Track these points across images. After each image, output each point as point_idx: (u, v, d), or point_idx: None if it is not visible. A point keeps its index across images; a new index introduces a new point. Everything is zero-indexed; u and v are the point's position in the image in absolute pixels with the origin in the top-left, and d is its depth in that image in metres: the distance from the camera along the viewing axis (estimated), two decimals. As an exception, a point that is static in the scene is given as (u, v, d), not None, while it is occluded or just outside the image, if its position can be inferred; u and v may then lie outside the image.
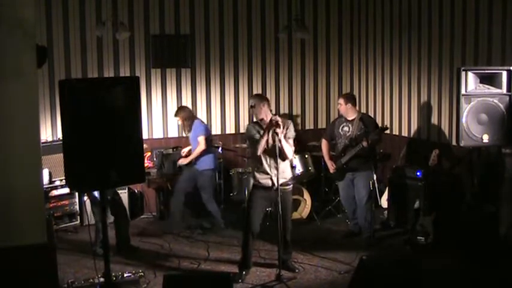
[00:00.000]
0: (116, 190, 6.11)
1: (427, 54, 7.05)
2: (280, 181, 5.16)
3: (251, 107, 5.44)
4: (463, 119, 5.31)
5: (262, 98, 5.57)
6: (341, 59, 8.59)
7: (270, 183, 5.24)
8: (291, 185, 5.48)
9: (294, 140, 5.45)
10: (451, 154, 6.45)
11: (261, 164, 5.26)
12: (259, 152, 5.20)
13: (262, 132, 5.24)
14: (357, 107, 6.53)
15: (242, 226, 5.57)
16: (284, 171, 5.30)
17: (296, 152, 6.40)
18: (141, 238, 6.50)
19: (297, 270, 5.42)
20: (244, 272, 5.33)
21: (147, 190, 7.47)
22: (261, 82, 8.18)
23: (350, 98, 6.46)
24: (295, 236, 6.12)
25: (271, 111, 5.45)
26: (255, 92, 8.07)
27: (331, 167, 6.47)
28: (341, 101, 6.41)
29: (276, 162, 5.13)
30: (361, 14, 8.38)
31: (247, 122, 7.84)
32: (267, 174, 5.25)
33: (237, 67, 8.04)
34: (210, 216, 6.81)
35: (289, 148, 5.23)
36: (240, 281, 5.23)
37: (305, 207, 7.10)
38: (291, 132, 5.33)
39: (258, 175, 5.31)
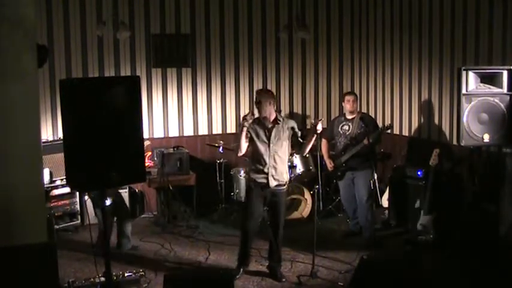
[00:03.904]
0: (117, 191, 6.10)
1: (427, 54, 7.04)
2: (275, 183, 5.15)
3: (257, 103, 5.19)
4: (464, 119, 5.30)
5: (269, 95, 5.26)
6: (342, 59, 8.59)
7: (265, 182, 5.15)
8: (285, 187, 5.30)
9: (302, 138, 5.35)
10: (452, 154, 6.44)
11: (259, 163, 5.18)
12: (241, 152, 5.13)
13: (262, 130, 5.15)
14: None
15: (240, 224, 5.46)
16: (282, 173, 5.21)
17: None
18: (142, 237, 6.51)
19: (283, 280, 5.25)
20: (241, 269, 5.37)
21: (148, 189, 7.47)
22: (261, 82, 8.18)
23: (357, 98, 6.48)
24: (295, 235, 6.13)
25: (276, 110, 5.27)
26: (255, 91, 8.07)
27: (329, 164, 6.48)
28: (352, 98, 6.35)
29: (276, 162, 5.13)
30: (361, 13, 8.38)
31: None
32: (264, 173, 5.16)
33: (237, 66, 8.04)
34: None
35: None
36: (237, 276, 5.27)
37: (306, 207, 7.09)
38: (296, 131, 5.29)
39: (255, 174, 5.23)
